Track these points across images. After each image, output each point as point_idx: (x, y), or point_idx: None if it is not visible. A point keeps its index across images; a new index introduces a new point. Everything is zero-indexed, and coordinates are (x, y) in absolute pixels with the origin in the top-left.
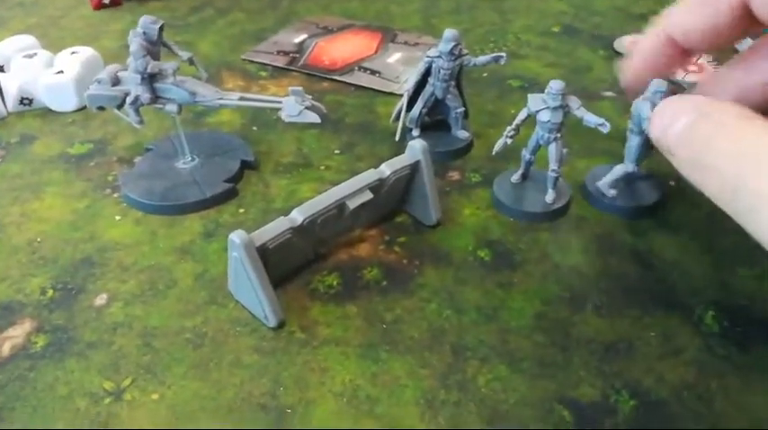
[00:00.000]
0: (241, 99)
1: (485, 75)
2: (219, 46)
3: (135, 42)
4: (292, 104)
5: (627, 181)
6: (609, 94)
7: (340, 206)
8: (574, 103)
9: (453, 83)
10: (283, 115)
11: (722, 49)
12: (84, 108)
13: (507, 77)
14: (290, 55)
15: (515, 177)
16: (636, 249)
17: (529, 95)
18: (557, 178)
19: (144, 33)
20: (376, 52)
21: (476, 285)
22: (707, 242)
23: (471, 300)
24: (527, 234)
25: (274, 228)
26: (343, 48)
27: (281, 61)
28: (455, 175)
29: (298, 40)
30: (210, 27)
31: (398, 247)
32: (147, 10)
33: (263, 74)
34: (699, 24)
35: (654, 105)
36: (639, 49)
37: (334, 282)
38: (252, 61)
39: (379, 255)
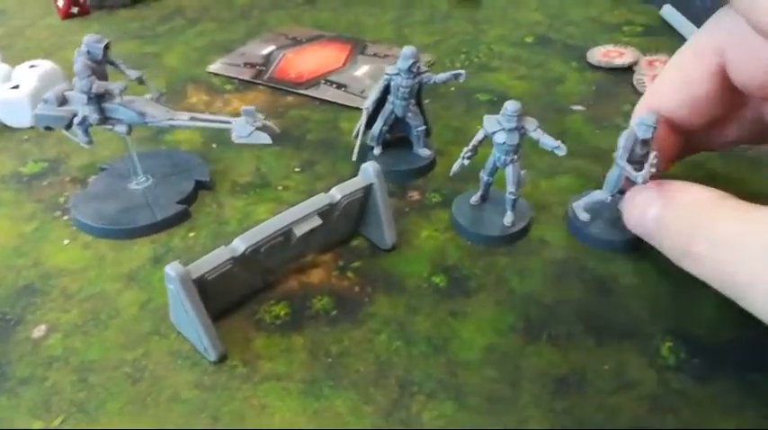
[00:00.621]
0: (191, 119)
1: (452, 89)
2: (187, 58)
3: (79, 62)
4: (242, 125)
5: (609, 209)
6: (579, 108)
7: (286, 233)
8: (530, 124)
9: (413, 101)
10: (233, 136)
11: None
12: None
13: (476, 91)
14: (257, 67)
15: (474, 199)
16: (596, 274)
17: (484, 117)
18: (515, 200)
19: (88, 52)
20: (344, 65)
21: (428, 314)
22: (665, 267)
23: (422, 330)
24: (484, 258)
25: (214, 259)
26: (310, 60)
27: (247, 74)
28: (415, 195)
29: (265, 51)
30: (179, 37)
31: (352, 273)
32: (116, 19)
33: (229, 87)
34: (681, 101)
35: (635, 137)
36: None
37: (282, 312)
38: (217, 74)
39: (332, 283)
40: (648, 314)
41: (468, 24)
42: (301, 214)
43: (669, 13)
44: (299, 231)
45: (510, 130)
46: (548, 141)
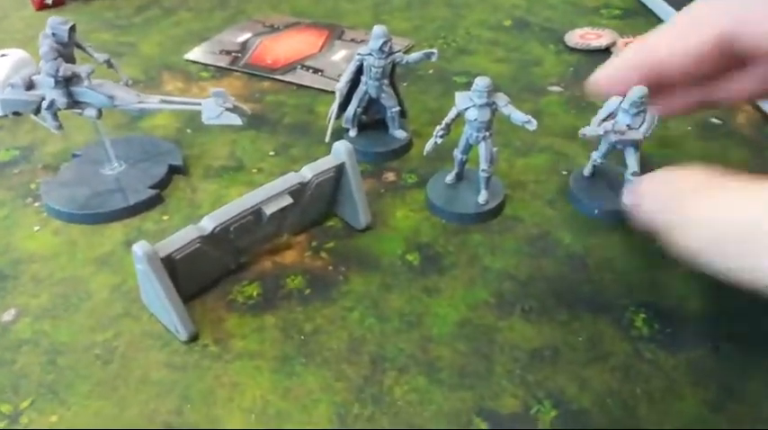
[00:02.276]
0: (162, 102)
1: (431, 71)
2: (162, 46)
3: (45, 44)
4: (212, 106)
5: (609, 182)
6: (556, 89)
7: (256, 212)
8: (501, 100)
9: (386, 81)
10: (203, 117)
11: (697, 82)
12: None
13: (453, 74)
14: (233, 54)
15: (449, 178)
16: (571, 250)
17: (456, 93)
18: (488, 178)
19: (53, 35)
20: (320, 50)
21: (401, 291)
22: (639, 239)
23: (395, 307)
24: (458, 236)
25: (181, 238)
26: (286, 46)
27: (223, 61)
28: (391, 176)
29: (241, 39)
30: (155, 27)
31: (325, 253)
32: (91, 10)
33: (205, 74)
34: (682, 49)
35: (630, 117)
36: (615, 62)
37: (254, 293)
38: (194, 61)
39: (305, 263)
40: (622, 288)
41: (446, 9)
42: (271, 193)
43: None
44: (269, 210)
45: (481, 106)
46: (518, 116)
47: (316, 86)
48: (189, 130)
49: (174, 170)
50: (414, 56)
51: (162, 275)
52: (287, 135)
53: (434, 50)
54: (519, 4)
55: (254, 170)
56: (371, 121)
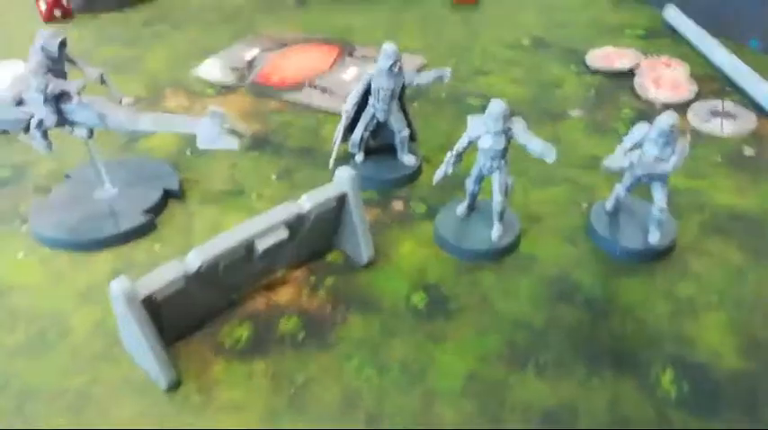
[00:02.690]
0: (156, 122)
1: (443, 94)
2: (168, 61)
3: (33, 60)
4: (208, 128)
5: (633, 219)
6: (576, 113)
7: (248, 247)
8: (517, 126)
9: (396, 103)
10: (198, 141)
11: None
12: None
13: (467, 95)
14: (240, 71)
15: (461, 210)
16: (590, 295)
17: (468, 118)
18: (502, 212)
19: (43, 49)
20: (330, 68)
21: (405, 337)
22: (666, 283)
23: (397, 355)
24: (469, 275)
25: (165, 276)
26: (295, 63)
27: (229, 78)
28: (398, 206)
29: (249, 55)
30: (163, 42)
31: (324, 291)
32: (99, 23)
33: (210, 92)
34: None
35: (659, 148)
36: None
37: (244, 335)
38: (199, 78)
39: (301, 302)
40: (647, 339)
41: (463, 26)
42: (265, 225)
43: (672, 14)
44: (263, 244)
45: (495, 134)
46: (536, 147)
47: (323, 106)
48: (189, 152)
49: (169, 194)
50: (425, 76)
51: (141, 318)
52: (291, 158)
53: (447, 70)
54: (539, 23)
55: (255, 196)
56: (380, 146)
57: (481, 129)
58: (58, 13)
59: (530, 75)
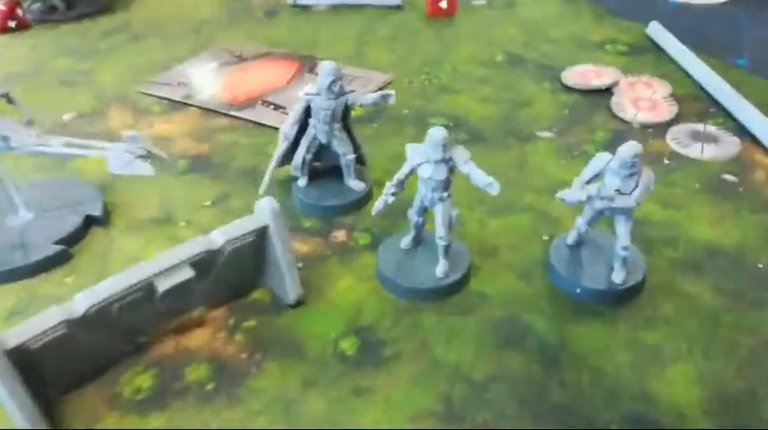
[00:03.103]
0: (66, 145)
1: (406, 111)
2: (120, 76)
3: None
4: (120, 153)
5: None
6: (546, 134)
7: (147, 288)
8: (460, 155)
9: (338, 125)
10: (110, 166)
11: None
12: None
13: (431, 115)
14: (192, 87)
15: (405, 242)
16: (543, 341)
17: (407, 146)
18: (447, 247)
19: None
20: (287, 84)
21: (326, 390)
22: (628, 330)
23: (314, 413)
24: (408, 317)
25: (41, 322)
26: (251, 78)
27: (178, 94)
28: (340, 236)
29: (204, 70)
30: (118, 54)
31: (242, 335)
32: (56, 33)
33: (157, 109)
34: None
35: (620, 179)
36: None
37: (146, 384)
38: (148, 94)
39: (214, 347)
40: (604, 394)
41: (435, 42)
42: (166, 265)
43: (656, 30)
44: (164, 285)
45: (436, 163)
46: (479, 177)
47: (275, 125)
48: (143, 176)
49: (91, 221)
50: (369, 97)
51: (7, 372)
52: (231, 181)
53: (391, 92)
54: (515, 38)
55: (183, 223)
56: (329, 168)
57: (421, 158)
58: (12, 23)
59: (500, 93)
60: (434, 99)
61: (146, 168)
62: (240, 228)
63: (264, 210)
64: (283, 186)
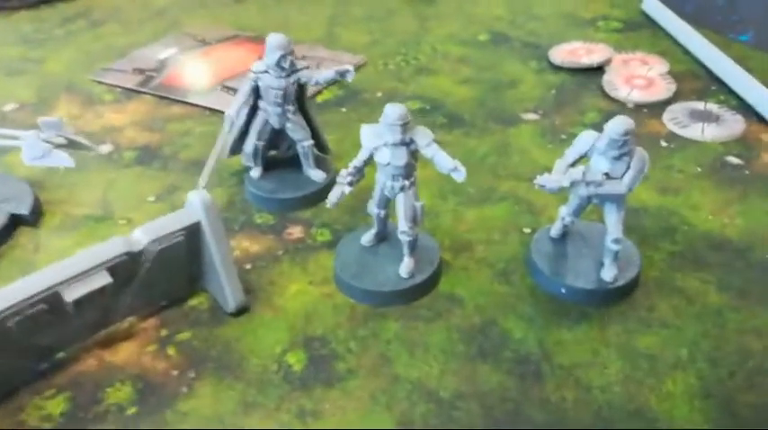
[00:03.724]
0: None
1: (379, 94)
2: (73, 64)
3: None
4: (34, 143)
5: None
6: (531, 116)
7: (52, 299)
8: (423, 137)
9: (291, 107)
10: (24, 158)
11: None
12: None
13: (407, 98)
14: (146, 73)
15: (367, 238)
16: (522, 351)
17: (362, 127)
18: (412, 242)
19: None
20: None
21: (266, 415)
22: (620, 335)
23: None
24: (367, 325)
25: None
26: (213, 63)
27: (132, 82)
28: (296, 232)
29: (163, 56)
30: (74, 41)
31: (174, 349)
32: (12, 20)
33: (108, 97)
34: None
35: (609, 162)
36: None
37: (58, 410)
38: (100, 82)
39: (142, 363)
40: (593, 414)
41: (414, 21)
42: (76, 271)
43: (652, 5)
44: (72, 295)
45: (395, 145)
46: (443, 162)
47: None
48: (63, 168)
49: (18, 220)
50: (325, 74)
51: None
52: (180, 173)
53: (349, 68)
54: (501, 16)
55: (123, 221)
56: (286, 158)
57: (377, 141)
58: None
59: (482, 74)
60: (411, 81)
61: (64, 159)
62: (167, 225)
63: (195, 203)
64: (238, 178)
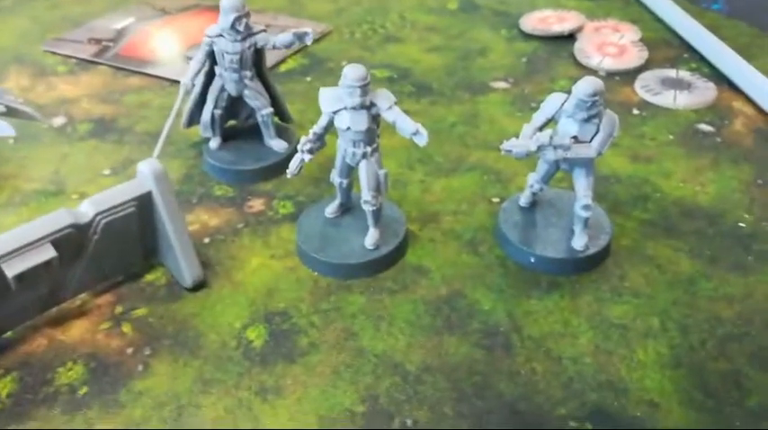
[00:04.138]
0: None
1: (343, 63)
2: (25, 34)
3: None
4: None
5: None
6: (501, 84)
7: None
8: (384, 100)
9: (248, 73)
10: None
11: None
12: None
13: (374, 67)
14: (103, 43)
15: (331, 209)
16: (490, 322)
17: (321, 90)
18: (376, 211)
19: None
20: None
21: (224, 392)
22: (596, 305)
23: (208, 419)
24: (331, 299)
25: None
26: (173, 33)
27: (87, 52)
28: (257, 205)
29: (120, 25)
30: (24, 11)
31: (129, 326)
32: None
33: (62, 69)
34: None
35: (578, 124)
36: None
37: (5, 392)
38: (53, 53)
39: (96, 341)
40: (561, 387)
41: None
42: (16, 244)
43: None
44: (13, 270)
45: (354, 109)
46: (405, 125)
47: None
48: (11, 140)
49: None
50: (282, 37)
51: None
52: (136, 146)
53: (308, 30)
54: None
55: (75, 196)
56: (246, 128)
57: (337, 104)
58: None
59: (451, 42)
60: (378, 50)
61: (5, 129)
62: (116, 196)
63: (145, 173)
64: (197, 149)
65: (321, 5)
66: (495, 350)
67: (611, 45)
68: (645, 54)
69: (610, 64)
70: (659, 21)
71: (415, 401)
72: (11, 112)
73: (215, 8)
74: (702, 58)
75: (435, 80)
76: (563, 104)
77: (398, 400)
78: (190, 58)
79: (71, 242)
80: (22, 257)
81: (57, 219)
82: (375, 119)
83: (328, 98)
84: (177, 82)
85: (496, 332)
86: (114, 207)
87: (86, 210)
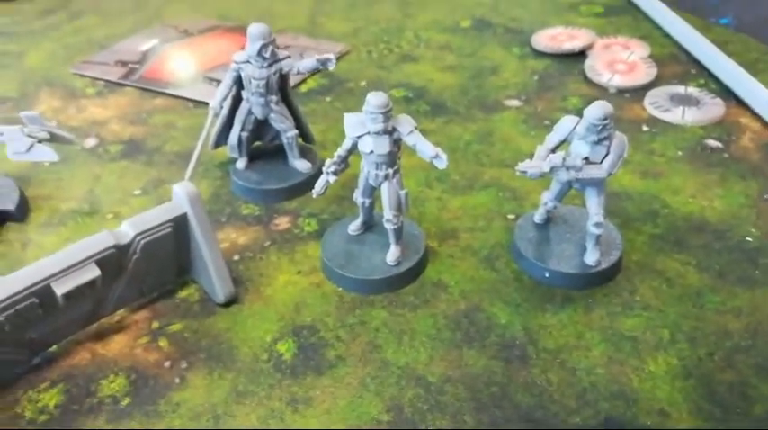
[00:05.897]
0: None
1: (363, 83)
2: (53, 57)
3: None
4: (18, 137)
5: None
6: (514, 103)
7: (42, 293)
8: (405, 125)
9: (275, 98)
10: (8, 152)
11: None
12: None
13: (391, 86)
14: (129, 66)
15: (354, 227)
16: (507, 335)
17: (345, 116)
18: (397, 230)
19: None
20: None
21: (258, 403)
22: (608, 318)
23: (244, 428)
24: (356, 313)
25: None
26: (196, 54)
27: (114, 74)
28: (283, 223)
29: (145, 47)
30: (53, 34)
31: (166, 341)
32: None
33: (90, 91)
34: None
35: (589, 146)
36: None
37: (53, 402)
38: (81, 75)
39: (135, 355)
40: (577, 395)
41: (396, 9)
42: (64, 265)
43: None
44: (63, 288)
45: (377, 134)
46: (425, 149)
47: None
48: (46, 162)
49: (5, 217)
50: (306, 63)
51: None
52: (165, 166)
53: (331, 56)
54: (483, 2)
55: (110, 215)
56: (271, 149)
57: (360, 129)
58: None
59: (465, 60)
60: (394, 69)
61: (48, 154)
62: (154, 218)
63: (180, 195)
64: (223, 170)
65: (339, 25)
66: (512, 362)
67: (620, 62)
68: (654, 71)
69: (619, 81)
70: (668, 36)
71: (437, 411)
72: (53, 138)
73: (236, 29)
74: (710, 74)
75: (450, 99)
76: (575, 127)
77: (421, 410)
78: (211, 80)
79: (113, 261)
80: (70, 277)
81: (100, 240)
82: (396, 143)
83: (352, 123)
84: (200, 103)
85: (513, 345)
86: (153, 228)
87: (127, 231)
